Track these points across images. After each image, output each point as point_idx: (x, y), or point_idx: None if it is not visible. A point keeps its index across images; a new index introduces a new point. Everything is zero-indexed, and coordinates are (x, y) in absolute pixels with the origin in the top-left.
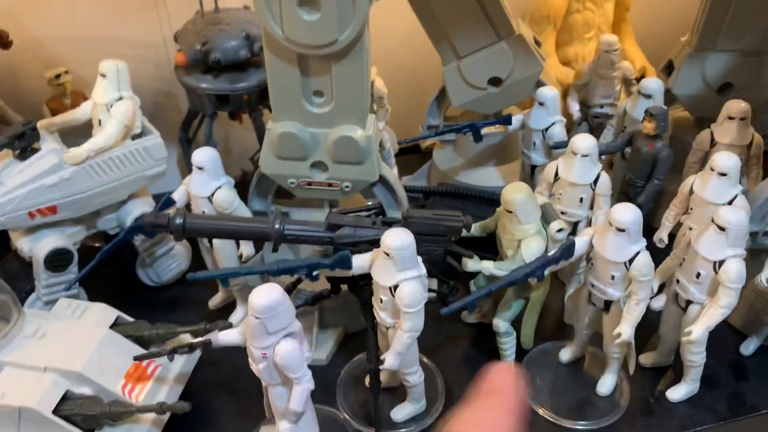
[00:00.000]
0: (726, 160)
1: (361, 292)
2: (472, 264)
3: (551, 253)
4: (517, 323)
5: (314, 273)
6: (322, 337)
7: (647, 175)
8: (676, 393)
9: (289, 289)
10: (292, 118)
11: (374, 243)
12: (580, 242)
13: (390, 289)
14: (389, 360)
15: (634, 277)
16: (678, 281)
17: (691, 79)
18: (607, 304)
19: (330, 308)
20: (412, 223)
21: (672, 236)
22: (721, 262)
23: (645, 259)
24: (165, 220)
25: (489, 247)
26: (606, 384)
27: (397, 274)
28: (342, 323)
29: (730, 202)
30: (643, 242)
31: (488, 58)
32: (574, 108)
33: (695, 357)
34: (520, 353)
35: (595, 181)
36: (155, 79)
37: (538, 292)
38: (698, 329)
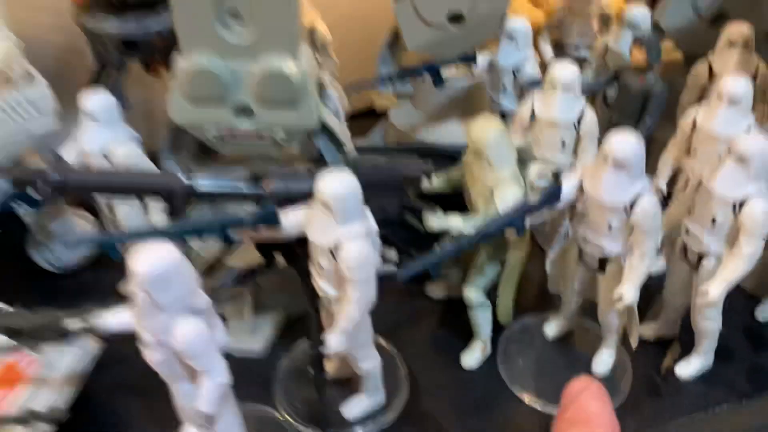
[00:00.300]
0: (737, 84)
1: (299, 261)
2: (436, 220)
3: (530, 201)
4: (492, 295)
5: (229, 234)
6: (258, 323)
7: (638, 115)
8: (688, 369)
9: (213, 266)
10: (204, 48)
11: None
12: (568, 185)
13: (330, 250)
14: (333, 340)
15: (638, 224)
16: (688, 231)
17: (680, 10)
18: (603, 263)
19: (266, 287)
20: (360, 171)
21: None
22: (742, 203)
23: (650, 200)
24: (32, 174)
25: (456, 205)
26: (603, 361)
27: (339, 229)
28: (282, 305)
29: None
30: (646, 180)
31: None
32: (547, 50)
33: (710, 324)
34: (497, 330)
35: (579, 121)
36: (55, 31)
37: (516, 254)
38: (717, 287)
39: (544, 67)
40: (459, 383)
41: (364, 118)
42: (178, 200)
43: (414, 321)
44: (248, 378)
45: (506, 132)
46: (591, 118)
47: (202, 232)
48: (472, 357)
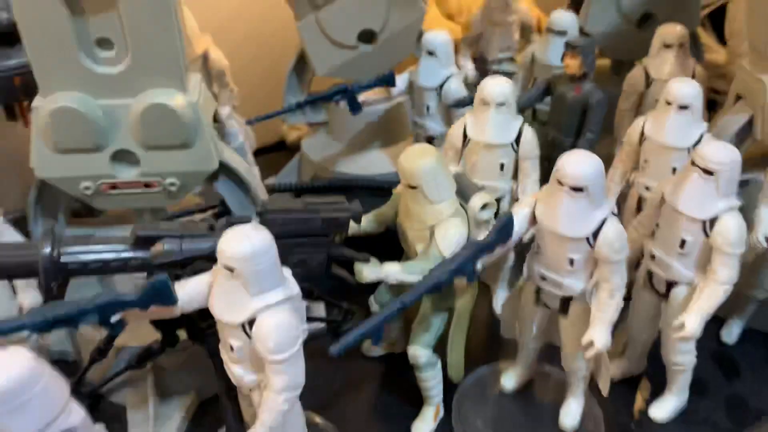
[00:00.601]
0: (685, 88)
1: (208, 340)
2: (369, 270)
3: (480, 237)
4: (438, 349)
5: (112, 320)
6: (164, 410)
7: (576, 129)
8: (662, 410)
9: (103, 349)
10: (69, 85)
11: (215, 260)
12: (519, 216)
13: (243, 326)
14: None
15: (604, 257)
16: (653, 257)
17: (604, 12)
18: (565, 303)
19: (170, 367)
20: (274, 220)
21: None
22: (713, 221)
23: (615, 227)
24: None
25: (389, 248)
26: (571, 413)
27: (251, 301)
28: (192, 387)
29: (695, 145)
30: (609, 204)
31: (353, 4)
32: (468, 67)
33: (685, 358)
34: (448, 388)
35: (518, 141)
36: None
37: (465, 300)
38: (694, 319)
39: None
40: None
41: (274, 153)
42: (45, 277)
43: (352, 387)
44: None
45: (442, 160)
46: (531, 137)
47: (75, 319)
48: (424, 425)
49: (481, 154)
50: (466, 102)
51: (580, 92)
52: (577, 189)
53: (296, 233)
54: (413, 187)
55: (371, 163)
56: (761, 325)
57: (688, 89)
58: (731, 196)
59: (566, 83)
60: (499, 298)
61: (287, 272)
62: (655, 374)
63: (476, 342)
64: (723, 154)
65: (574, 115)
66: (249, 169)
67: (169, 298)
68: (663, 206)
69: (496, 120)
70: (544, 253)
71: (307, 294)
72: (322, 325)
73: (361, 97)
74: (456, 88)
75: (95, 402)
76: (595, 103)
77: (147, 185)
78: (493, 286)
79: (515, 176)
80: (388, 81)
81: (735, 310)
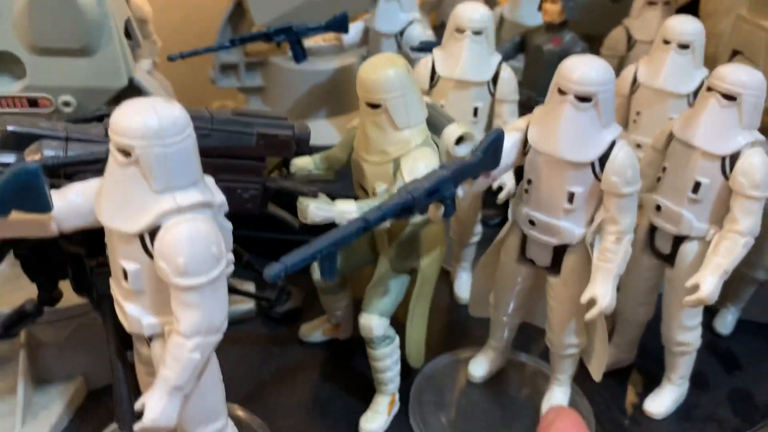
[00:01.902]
0: (686, 23)
1: (96, 284)
2: (317, 208)
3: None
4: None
5: None
6: (40, 400)
7: None
8: (660, 404)
9: None
10: None
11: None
12: (510, 138)
13: (142, 238)
14: (154, 405)
15: (613, 189)
16: (659, 208)
17: None
18: (558, 256)
19: (50, 344)
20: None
21: None
22: (734, 158)
23: (627, 151)
24: None
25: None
26: (555, 404)
27: (155, 200)
28: (78, 370)
29: (696, 92)
30: (617, 127)
31: None
32: (428, 34)
33: (691, 336)
34: (405, 377)
35: (495, 81)
36: None
37: (431, 259)
38: (711, 277)
39: None
40: None
41: None
42: None
43: (286, 377)
44: None
45: (411, 73)
46: (509, 77)
47: None
48: (375, 419)
49: (452, 94)
50: (432, 46)
51: (559, 43)
52: (584, 99)
53: (222, 151)
54: (375, 107)
55: (317, 135)
56: (756, 315)
57: (689, 25)
58: (755, 129)
59: (543, 35)
60: (462, 282)
61: (209, 179)
62: (645, 366)
63: (434, 331)
64: (747, 76)
65: (552, 70)
66: (167, 98)
67: (39, 199)
68: (671, 146)
69: (471, 53)
70: (536, 190)
71: (238, 259)
72: (251, 305)
73: (309, 49)
74: (420, 33)
75: None
76: (577, 54)
77: (34, 103)
78: (454, 268)
79: (489, 129)
80: (339, 25)
81: (730, 297)
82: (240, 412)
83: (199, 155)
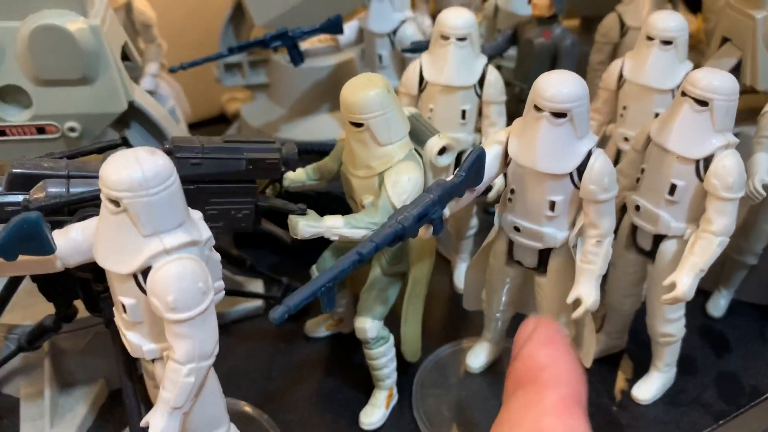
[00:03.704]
0: (669, 19)
1: (103, 308)
2: (306, 225)
3: (446, 179)
4: (392, 325)
5: None
6: (65, 402)
7: None
8: (648, 390)
9: None
10: None
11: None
12: (489, 155)
13: (135, 277)
14: (155, 425)
15: (591, 196)
16: (638, 208)
17: None
18: (543, 258)
19: (71, 352)
20: (184, 160)
21: None
22: (708, 161)
23: (603, 160)
24: None
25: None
26: None
27: (144, 244)
28: (99, 374)
29: (680, 86)
30: (593, 137)
31: None
32: (426, 23)
33: (674, 327)
34: (403, 371)
35: (482, 84)
36: None
37: (422, 265)
38: (687, 276)
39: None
40: None
41: (214, 126)
42: None
43: (293, 375)
44: None
45: (392, 91)
46: (496, 78)
47: None
48: (374, 413)
49: (439, 99)
50: (423, 47)
51: (549, 37)
52: (559, 115)
53: (214, 176)
54: (358, 126)
55: (318, 129)
56: (748, 295)
57: (672, 22)
58: (728, 132)
59: (534, 28)
60: (461, 272)
61: (197, 215)
62: (636, 352)
63: (434, 321)
64: (719, 82)
65: (543, 62)
66: (167, 116)
67: (42, 244)
68: (649, 148)
69: (456, 58)
70: (519, 199)
71: (241, 265)
72: (259, 303)
73: (306, 51)
74: (412, 33)
75: None
76: (567, 48)
77: (41, 130)
78: (453, 258)
79: (478, 129)
80: (334, 27)
81: (722, 281)
82: (248, 409)
83: (184, 198)
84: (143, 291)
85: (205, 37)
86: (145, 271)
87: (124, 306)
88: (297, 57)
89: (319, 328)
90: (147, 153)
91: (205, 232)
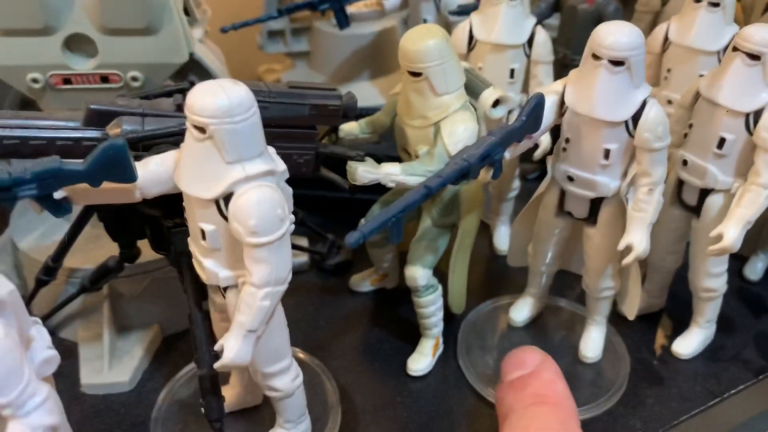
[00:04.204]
0: None
1: (173, 242)
2: (364, 170)
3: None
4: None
5: (56, 196)
6: (122, 345)
7: None
8: (687, 345)
9: (51, 267)
10: None
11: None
12: (549, 101)
13: (218, 203)
14: (232, 345)
15: (645, 144)
16: (686, 163)
17: None
18: (595, 208)
19: (129, 296)
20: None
21: None
22: (758, 114)
23: (658, 109)
24: None
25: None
26: (593, 343)
27: (228, 170)
28: (155, 319)
29: (725, 49)
30: (648, 87)
31: None
32: None
33: (717, 282)
34: (448, 323)
35: (530, 43)
36: None
37: (471, 217)
38: (735, 226)
39: None
40: (408, 397)
41: None
42: None
43: (339, 323)
44: (114, 423)
45: (450, 42)
46: (545, 38)
47: (5, 190)
48: (421, 360)
49: (488, 57)
50: (470, 9)
51: (592, 3)
52: (617, 63)
53: (279, 121)
54: (416, 75)
55: (360, 96)
56: None
57: None
58: None
59: None
60: (501, 234)
61: (271, 149)
62: (675, 312)
63: (475, 281)
64: None
65: (586, 29)
66: (224, 69)
67: (126, 171)
68: (697, 104)
69: (507, 17)
70: (573, 148)
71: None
72: (305, 258)
73: (352, 15)
74: None
75: None
76: (610, 14)
77: (105, 79)
78: (493, 221)
79: (525, 89)
80: None
81: (759, 245)
82: (301, 354)
83: (263, 130)
84: (224, 217)
85: (247, 4)
86: (227, 198)
87: (203, 233)
88: (343, 20)
89: (363, 282)
90: (231, 83)
91: (280, 164)
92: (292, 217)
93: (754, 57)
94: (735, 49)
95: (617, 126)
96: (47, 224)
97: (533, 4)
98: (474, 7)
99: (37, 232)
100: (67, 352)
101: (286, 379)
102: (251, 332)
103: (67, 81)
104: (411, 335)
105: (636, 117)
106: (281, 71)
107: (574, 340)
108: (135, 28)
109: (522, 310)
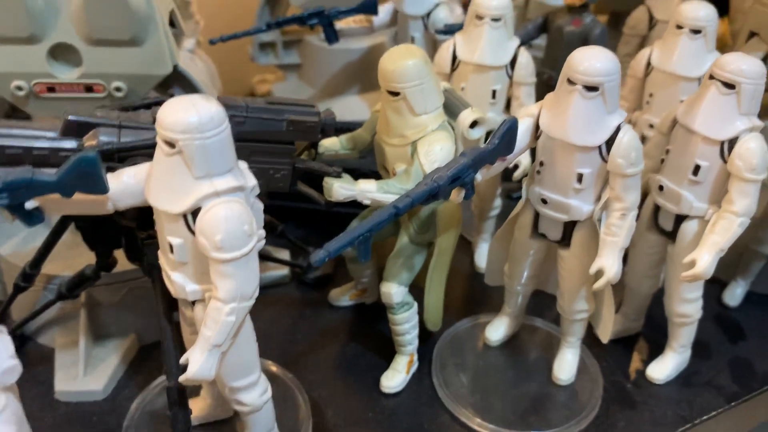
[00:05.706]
0: (699, 8)
1: (146, 254)
2: (341, 187)
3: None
4: (415, 295)
5: (27, 206)
6: (98, 353)
7: None
8: (661, 369)
9: (29, 274)
10: None
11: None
12: (524, 124)
13: (185, 218)
14: (197, 360)
15: (618, 170)
16: (661, 188)
17: None
18: (568, 231)
19: (107, 304)
20: (231, 118)
21: None
22: (732, 143)
23: (631, 135)
24: None
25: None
26: (566, 365)
27: (196, 185)
28: (131, 328)
29: None
30: (622, 112)
31: None
32: (457, 12)
33: (691, 308)
34: (424, 340)
35: (512, 64)
36: None
37: (448, 235)
38: (707, 254)
39: None
40: (380, 413)
41: None
42: None
43: (316, 338)
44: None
45: (429, 63)
46: (527, 60)
47: None
48: (395, 377)
49: (471, 78)
50: (456, 29)
51: (579, 25)
52: (592, 88)
53: (255, 136)
54: (395, 95)
55: (348, 110)
56: (765, 287)
57: (702, 11)
58: (753, 116)
59: (564, 16)
60: (482, 252)
61: (243, 164)
62: (651, 336)
63: (454, 298)
64: (747, 65)
65: (572, 50)
66: (207, 82)
67: (97, 183)
68: (674, 130)
69: (490, 38)
70: (547, 172)
71: (272, 230)
72: (286, 270)
73: (341, 30)
74: (445, 16)
75: (20, 343)
76: (596, 37)
77: (89, 89)
78: (475, 239)
79: (508, 110)
80: (369, 8)
81: (739, 271)
82: (274, 368)
83: (234, 145)
84: (191, 231)
85: (241, 16)
86: (195, 213)
87: (171, 246)
88: (332, 35)
89: (342, 297)
90: (202, 99)
91: (251, 180)
92: (262, 233)
93: (729, 86)
94: (711, 77)
95: (591, 151)
96: (28, 230)
97: (520, 24)
98: (460, 27)
99: (17, 238)
100: (45, 358)
101: (254, 393)
102: (216, 347)
103: (51, 89)
104: (387, 351)
105: (610, 142)
106: (274, 82)
107: (549, 361)
108: (120, 39)
109: (498, 329)
